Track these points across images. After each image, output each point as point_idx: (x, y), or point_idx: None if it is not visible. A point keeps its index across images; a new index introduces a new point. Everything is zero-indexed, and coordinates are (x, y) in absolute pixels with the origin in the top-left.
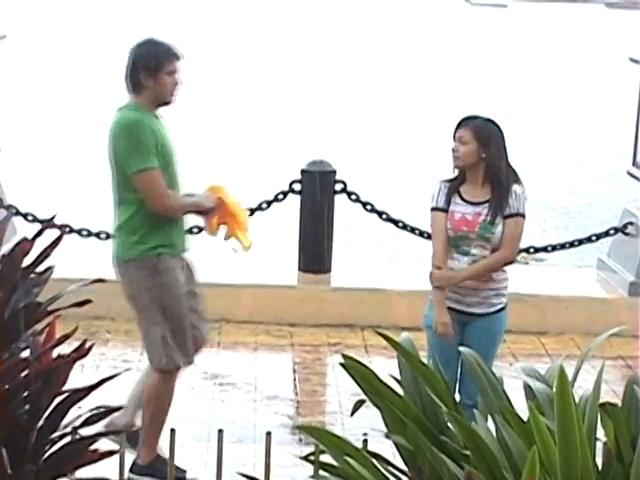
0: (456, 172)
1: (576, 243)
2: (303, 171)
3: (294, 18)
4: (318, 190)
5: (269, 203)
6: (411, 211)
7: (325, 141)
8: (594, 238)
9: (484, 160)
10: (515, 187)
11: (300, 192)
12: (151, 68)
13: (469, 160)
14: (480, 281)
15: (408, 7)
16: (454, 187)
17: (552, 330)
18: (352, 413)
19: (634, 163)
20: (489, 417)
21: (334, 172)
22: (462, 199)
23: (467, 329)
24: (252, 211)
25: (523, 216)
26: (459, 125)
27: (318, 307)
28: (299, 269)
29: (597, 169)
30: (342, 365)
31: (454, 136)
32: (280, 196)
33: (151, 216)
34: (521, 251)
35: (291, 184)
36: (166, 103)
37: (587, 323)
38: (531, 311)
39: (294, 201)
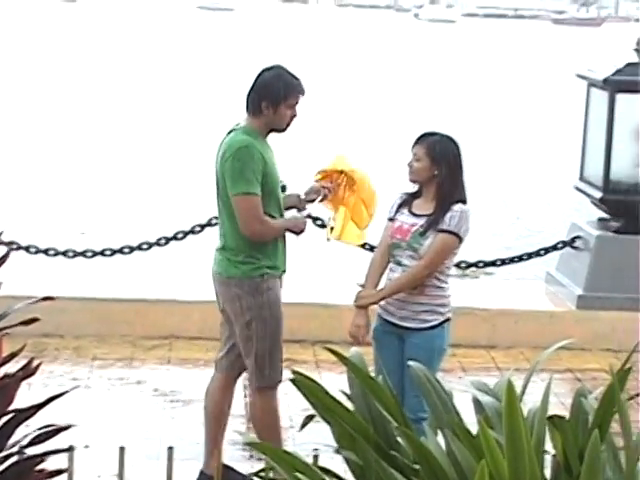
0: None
1: (525, 257)
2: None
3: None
4: None
5: (202, 227)
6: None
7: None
8: (543, 252)
9: (436, 177)
10: (457, 206)
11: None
12: (275, 99)
13: (422, 176)
14: (408, 293)
15: (359, 23)
16: (408, 199)
17: (502, 343)
18: (301, 428)
19: (581, 177)
20: (439, 431)
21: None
22: (409, 211)
23: (405, 344)
24: (185, 234)
25: (456, 235)
26: (416, 141)
27: None
28: None
29: (547, 183)
30: (292, 381)
31: (412, 152)
32: (196, 229)
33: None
34: (470, 265)
35: (212, 219)
36: (279, 131)
37: (536, 336)
38: (481, 325)
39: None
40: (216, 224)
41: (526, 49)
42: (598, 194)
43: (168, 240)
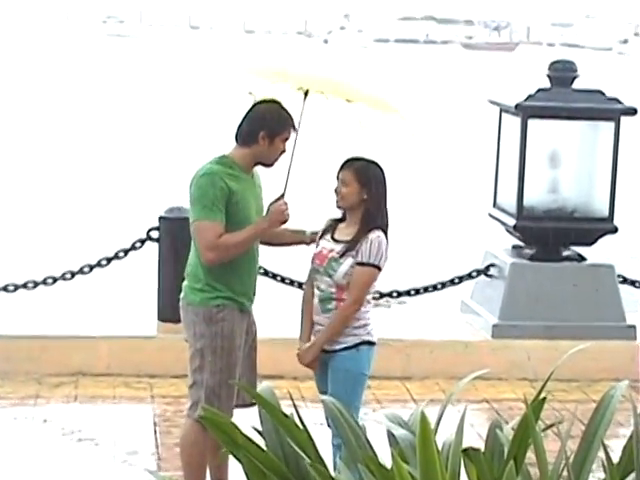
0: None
1: (439, 286)
2: (161, 218)
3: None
4: (176, 237)
5: (126, 252)
6: (276, 256)
7: (181, 188)
8: (457, 280)
9: (365, 202)
10: (373, 234)
11: (158, 239)
12: (273, 130)
13: (350, 201)
14: (326, 317)
15: (267, 50)
16: (333, 225)
17: (417, 374)
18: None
19: (495, 204)
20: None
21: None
22: (332, 236)
23: (329, 370)
24: (109, 260)
25: (375, 267)
26: (342, 166)
27: (178, 357)
28: (158, 318)
29: (461, 211)
30: (201, 418)
31: (337, 177)
32: (137, 244)
33: (217, 266)
34: (383, 295)
35: (149, 231)
36: (266, 165)
37: (451, 367)
38: (395, 355)
39: (152, 249)
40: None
41: (438, 74)
42: (512, 221)
43: (73, 274)
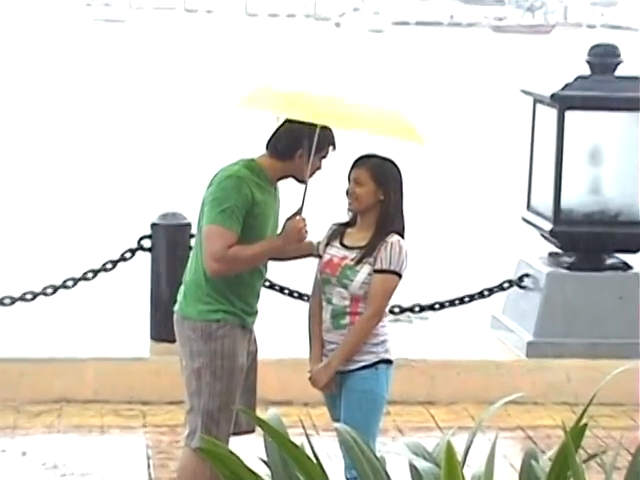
0: (349, 216)
1: (467, 299)
2: (153, 225)
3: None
4: (171, 246)
5: (115, 263)
6: (281, 266)
7: (176, 191)
8: (487, 293)
9: (381, 202)
10: (393, 238)
11: (150, 249)
12: (312, 149)
13: (365, 203)
14: (340, 334)
15: (272, 33)
16: (340, 230)
17: (442, 399)
18: None
19: (529, 207)
20: None
21: (189, 225)
22: (341, 243)
23: (342, 393)
24: (95, 272)
25: (396, 274)
26: (354, 165)
27: (174, 381)
28: (151, 338)
29: (490, 214)
30: (200, 449)
31: (349, 177)
32: (127, 254)
33: (221, 276)
34: (404, 310)
35: (140, 240)
36: (299, 180)
37: (481, 390)
38: (418, 378)
39: (144, 260)
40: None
41: (464, 60)
42: (548, 226)
43: (56, 289)
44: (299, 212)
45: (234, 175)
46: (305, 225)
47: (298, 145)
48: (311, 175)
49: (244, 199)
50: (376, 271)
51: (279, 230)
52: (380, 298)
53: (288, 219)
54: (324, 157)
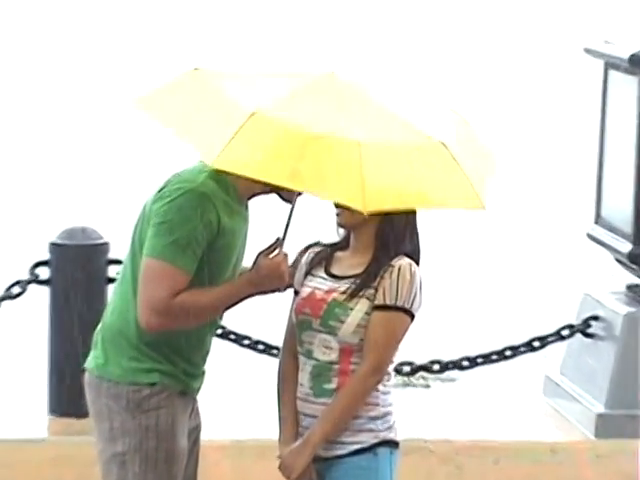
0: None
1: (509, 353)
2: (53, 245)
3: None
4: (80, 276)
5: None
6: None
7: (88, 198)
8: (537, 344)
9: (383, 214)
10: (402, 262)
11: (48, 281)
12: None
13: (356, 217)
14: (321, 404)
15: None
16: (324, 254)
17: None
18: None
19: (598, 219)
20: None
21: (105, 246)
22: (327, 271)
23: None
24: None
25: (405, 311)
26: None
27: (82, 472)
28: (50, 412)
29: (540, 228)
30: None
31: None
32: (15, 289)
33: None
34: (418, 369)
35: (33, 268)
36: (285, 199)
37: None
38: (438, 468)
39: (40, 296)
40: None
41: (510, 13)
42: (626, 246)
43: None
44: (279, 244)
45: (196, 190)
46: (286, 261)
47: None
48: (300, 194)
49: (206, 227)
50: (377, 308)
51: (244, 263)
52: (382, 346)
53: (262, 253)
54: None
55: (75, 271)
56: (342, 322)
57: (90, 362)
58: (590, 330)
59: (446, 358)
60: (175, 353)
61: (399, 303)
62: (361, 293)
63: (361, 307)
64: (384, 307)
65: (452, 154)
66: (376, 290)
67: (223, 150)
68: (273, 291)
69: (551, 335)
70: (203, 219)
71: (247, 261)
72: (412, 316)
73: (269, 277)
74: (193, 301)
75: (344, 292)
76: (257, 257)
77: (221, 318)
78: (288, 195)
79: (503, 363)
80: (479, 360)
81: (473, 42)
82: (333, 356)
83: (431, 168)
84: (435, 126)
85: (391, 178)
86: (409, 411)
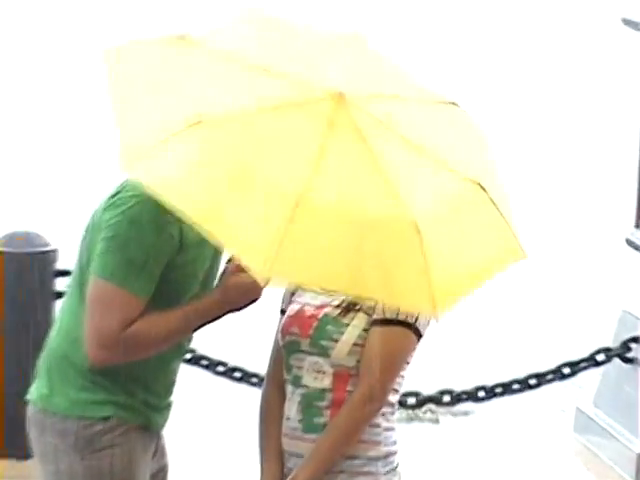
0: None
1: (533, 382)
2: None
3: None
4: (22, 289)
5: None
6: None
7: (29, 204)
8: (567, 371)
9: None
10: None
11: None
12: None
13: None
14: (308, 441)
15: None
16: None
17: None
18: None
19: (638, 224)
20: None
21: (53, 253)
22: None
23: None
24: None
25: (410, 327)
26: None
27: None
28: None
29: (571, 233)
30: None
31: None
32: None
33: None
34: (425, 401)
35: None
36: None
37: None
38: None
39: None
40: None
41: None
42: None
43: None
44: None
45: (154, 199)
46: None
47: None
48: None
49: (166, 242)
50: (376, 322)
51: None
52: (384, 368)
53: (230, 261)
54: None
55: (16, 284)
56: (335, 341)
57: (33, 393)
58: (630, 354)
59: (458, 388)
60: (133, 381)
61: (401, 317)
62: (358, 306)
63: (358, 322)
64: (384, 321)
65: (491, 198)
66: (375, 302)
67: (274, 261)
68: (250, 304)
69: (583, 360)
70: (162, 233)
71: None
72: (418, 334)
73: (239, 294)
74: (149, 330)
75: (338, 305)
76: (223, 272)
77: (189, 341)
78: None
79: (526, 394)
80: (497, 390)
81: (503, 19)
82: (326, 382)
83: (480, 227)
84: (459, 151)
85: (455, 264)
86: (415, 450)
